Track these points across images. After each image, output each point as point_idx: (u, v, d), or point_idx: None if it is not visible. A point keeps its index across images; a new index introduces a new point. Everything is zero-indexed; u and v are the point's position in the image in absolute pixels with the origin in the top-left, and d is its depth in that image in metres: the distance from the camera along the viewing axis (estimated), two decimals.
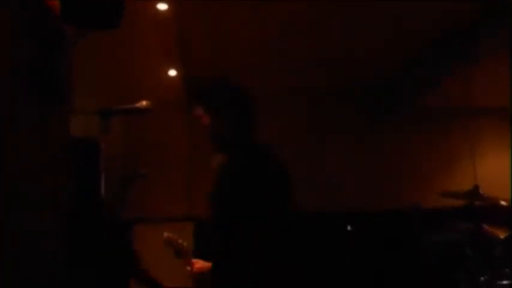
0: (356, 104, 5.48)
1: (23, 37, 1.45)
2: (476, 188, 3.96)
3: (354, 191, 5.13)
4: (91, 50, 3.17)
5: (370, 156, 5.33)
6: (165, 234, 2.27)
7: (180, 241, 2.26)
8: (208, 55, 4.50)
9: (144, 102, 1.90)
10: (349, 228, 4.81)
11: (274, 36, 4.21)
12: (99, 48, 3.35)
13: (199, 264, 1.96)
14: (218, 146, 1.82)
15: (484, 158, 5.47)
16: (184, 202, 4.80)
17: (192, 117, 1.87)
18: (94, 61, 3.64)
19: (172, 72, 4.52)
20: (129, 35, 3.32)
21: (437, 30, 4.18)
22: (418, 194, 4.99)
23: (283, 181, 1.73)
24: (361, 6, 3.72)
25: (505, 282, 3.28)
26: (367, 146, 5.38)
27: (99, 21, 1.57)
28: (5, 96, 1.29)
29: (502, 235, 3.77)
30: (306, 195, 4.76)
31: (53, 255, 1.58)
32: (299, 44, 4.37)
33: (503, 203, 3.80)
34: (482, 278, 3.35)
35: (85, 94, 2.74)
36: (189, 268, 2.01)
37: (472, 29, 4.06)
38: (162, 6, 3.57)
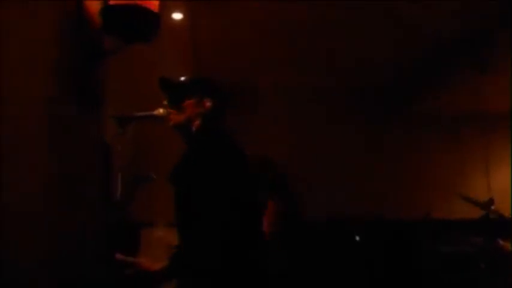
0: (366, 112, 5.46)
1: (68, 49, 1.55)
2: (491, 200, 3.92)
3: (363, 199, 5.08)
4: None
5: (380, 165, 5.29)
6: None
7: None
8: (221, 62, 4.54)
9: (161, 110, 1.93)
10: (357, 238, 4.76)
11: (286, 40, 4.23)
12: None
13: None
14: (184, 135, 1.85)
15: (498, 166, 5.39)
16: None
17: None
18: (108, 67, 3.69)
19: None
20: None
21: (449, 36, 4.18)
22: (430, 204, 4.93)
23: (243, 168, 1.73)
24: (373, 10, 3.73)
25: None
26: (377, 154, 5.34)
27: (137, 34, 1.64)
28: (53, 99, 1.42)
29: None
30: (315, 203, 4.78)
31: (86, 252, 1.65)
32: (313, 47, 4.38)
33: None
34: None
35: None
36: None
37: (485, 34, 4.06)
38: (177, 16, 3.64)
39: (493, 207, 3.81)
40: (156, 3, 1.70)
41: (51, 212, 1.38)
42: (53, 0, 1.52)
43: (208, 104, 1.81)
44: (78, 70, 1.60)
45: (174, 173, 1.78)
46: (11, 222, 1.28)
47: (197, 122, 1.80)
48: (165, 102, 1.85)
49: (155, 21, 1.68)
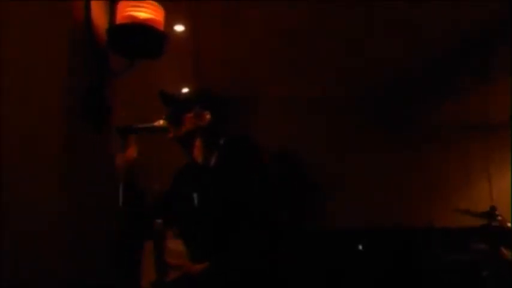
0: (368, 121, 5.47)
1: (77, 67, 1.59)
2: (493, 209, 3.93)
3: (366, 209, 5.08)
4: None
5: (383, 175, 5.29)
6: None
7: None
8: (223, 72, 4.56)
9: (161, 121, 1.95)
10: (360, 247, 4.76)
11: (288, 50, 4.25)
12: None
13: None
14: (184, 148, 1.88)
15: (500, 175, 5.40)
16: None
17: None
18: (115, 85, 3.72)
19: (185, 90, 4.60)
20: None
21: (454, 47, 4.19)
22: (433, 213, 4.94)
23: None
24: (377, 21, 3.75)
25: None
26: (380, 164, 5.34)
27: (143, 52, 1.67)
28: (66, 119, 1.49)
29: None
30: (321, 212, 4.77)
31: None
32: (317, 56, 4.40)
33: None
34: None
35: None
36: None
37: (489, 46, 4.07)
38: (179, 28, 3.67)
39: (497, 216, 3.82)
40: (162, 21, 1.72)
41: (65, 215, 1.44)
42: (62, 19, 1.55)
43: (207, 116, 1.82)
44: (87, 89, 1.62)
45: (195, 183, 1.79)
46: (19, 224, 1.34)
47: (197, 135, 1.81)
48: (164, 117, 1.87)
49: (161, 39, 1.70)
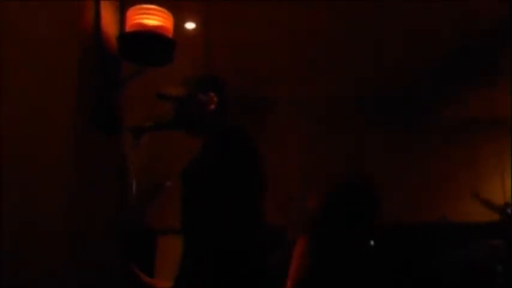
0: (381, 120, 5.44)
1: (88, 74, 1.63)
2: (507, 205, 3.90)
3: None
4: None
5: (396, 170, 5.27)
6: None
7: None
8: (233, 71, 4.56)
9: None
10: (372, 243, 4.74)
11: (300, 50, 4.25)
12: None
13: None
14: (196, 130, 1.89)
15: None
16: None
17: None
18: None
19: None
20: None
21: (463, 42, 4.15)
22: (445, 208, 4.91)
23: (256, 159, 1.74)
24: (384, 20, 3.73)
25: None
26: (392, 160, 5.32)
27: (153, 59, 1.69)
28: (77, 124, 1.55)
29: None
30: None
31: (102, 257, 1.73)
32: (324, 56, 4.39)
33: None
34: None
35: None
36: None
37: (495, 42, 4.03)
38: (190, 26, 3.68)
39: (509, 211, 3.80)
40: (170, 28, 1.73)
41: (69, 216, 1.48)
42: (73, 26, 1.58)
43: (215, 98, 1.85)
44: (97, 97, 1.65)
45: (189, 168, 1.80)
46: (23, 225, 1.39)
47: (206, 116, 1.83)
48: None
49: (170, 46, 1.71)
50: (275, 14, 3.58)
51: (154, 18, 1.68)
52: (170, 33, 1.72)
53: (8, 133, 1.45)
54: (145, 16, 1.67)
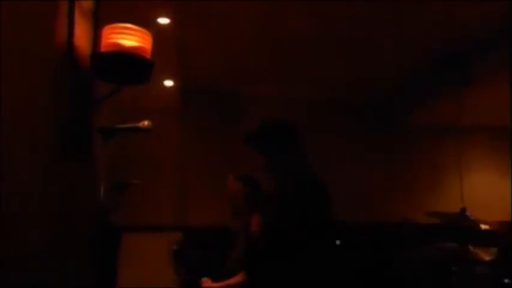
0: (348, 123, 5.51)
1: (61, 94, 1.60)
2: (463, 210, 4.06)
3: (342, 204, 5.16)
4: None
5: (360, 172, 5.37)
6: None
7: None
8: (207, 67, 4.50)
9: (146, 122, 1.94)
10: (338, 242, 4.85)
11: (271, 50, 4.22)
12: None
13: (208, 283, 2.30)
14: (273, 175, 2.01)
15: (472, 177, 5.56)
16: (173, 211, 4.81)
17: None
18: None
19: (168, 83, 4.52)
20: None
21: (432, 53, 4.24)
22: (406, 210, 5.07)
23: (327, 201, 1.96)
24: (362, 24, 3.75)
25: None
26: (355, 161, 5.42)
27: (128, 79, 1.63)
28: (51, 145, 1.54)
29: (487, 257, 3.87)
30: None
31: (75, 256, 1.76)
32: (298, 59, 4.37)
33: (485, 226, 3.92)
34: None
35: None
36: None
37: (466, 51, 4.14)
38: (164, 20, 3.56)
39: (468, 216, 3.95)
40: (148, 48, 1.67)
41: (46, 213, 1.50)
42: (45, 44, 1.51)
43: None
44: (70, 117, 1.59)
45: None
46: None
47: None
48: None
49: (148, 67, 1.65)
50: (250, 14, 3.53)
51: (131, 39, 1.61)
52: (148, 54, 1.66)
53: None
54: (121, 36, 1.60)
